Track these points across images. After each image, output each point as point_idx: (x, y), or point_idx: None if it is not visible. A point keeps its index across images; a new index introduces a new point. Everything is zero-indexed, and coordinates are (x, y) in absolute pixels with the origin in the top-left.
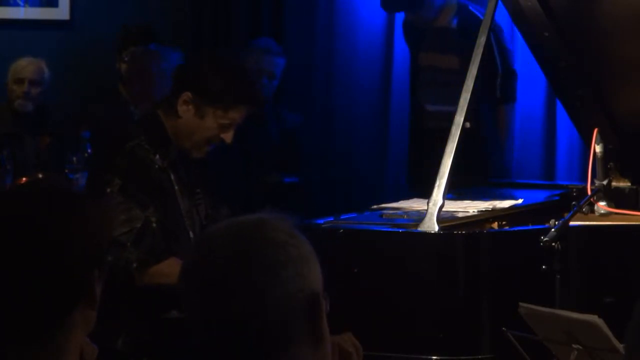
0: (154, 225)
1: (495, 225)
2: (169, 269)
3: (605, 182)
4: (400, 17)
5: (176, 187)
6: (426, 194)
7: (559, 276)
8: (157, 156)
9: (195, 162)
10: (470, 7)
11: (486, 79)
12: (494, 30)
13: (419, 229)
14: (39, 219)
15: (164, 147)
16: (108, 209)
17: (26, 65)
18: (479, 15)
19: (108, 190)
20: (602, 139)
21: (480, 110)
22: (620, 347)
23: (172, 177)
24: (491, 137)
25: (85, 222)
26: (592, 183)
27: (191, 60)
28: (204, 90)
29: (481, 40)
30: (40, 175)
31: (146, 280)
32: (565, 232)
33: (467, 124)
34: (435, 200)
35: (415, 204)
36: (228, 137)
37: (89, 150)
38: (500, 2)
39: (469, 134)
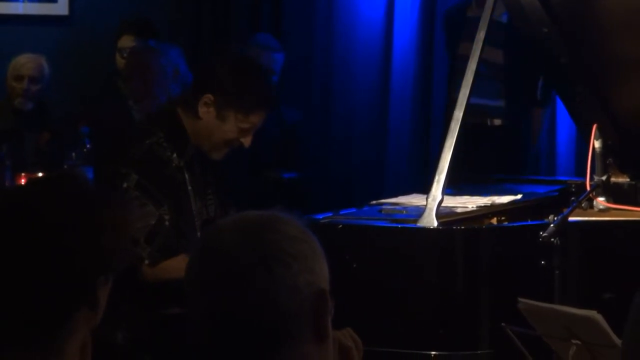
0: (167, 223)
1: (494, 220)
2: (180, 264)
3: (604, 178)
4: (400, 12)
5: (190, 187)
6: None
7: (557, 271)
8: (174, 155)
9: (210, 164)
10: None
11: (527, 79)
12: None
13: (418, 224)
14: (55, 220)
15: (182, 146)
16: (127, 218)
17: (26, 62)
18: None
19: (125, 185)
20: (601, 135)
21: (517, 108)
22: (619, 342)
23: (187, 176)
24: (526, 136)
25: (101, 230)
26: (591, 178)
27: (214, 62)
28: (227, 94)
29: (480, 35)
30: (65, 169)
31: (156, 275)
32: (564, 227)
33: (497, 121)
34: (434, 196)
35: (414, 199)
36: (247, 141)
37: (88, 146)
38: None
39: (501, 131)
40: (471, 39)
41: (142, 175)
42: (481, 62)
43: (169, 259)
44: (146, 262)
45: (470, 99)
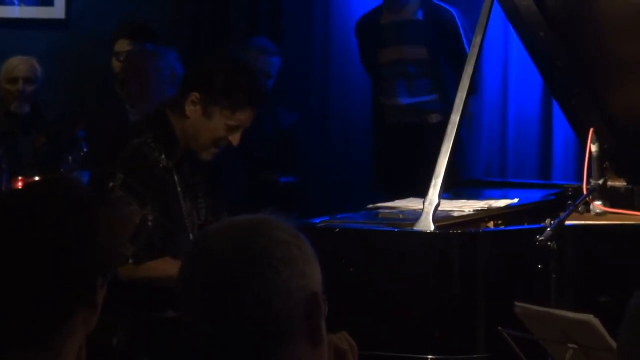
0: (150, 223)
1: (491, 224)
2: (163, 266)
3: (601, 182)
4: None
5: (179, 189)
6: (397, 192)
7: (554, 275)
8: (163, 156)
9: (201, 166)
10: (434, 0)
11: (454, 70)
12: (460, 15)
13: (415, 228)
14: (53, 221)
15: (171, 147)
16: (122, 219)
17: (19, 64)
18: (444, 5)
19: (111, 184)
20: (598, 139)
21: (450, 101)
22: (615, 346)
23: (176, 178)
24: (464, 129)
25: (98, 231)
26: (588, 182)
27: (201, 61)
28: (212, 91)
29: (477, 40)
30: (39, 176)
31: (138, 275)
32: (561, 231)
33: (437, 117)
34: (431, 200)
35: (411, 204)
36: (235, 139)
37: (85, 150)
38: (496, 2)
39: (440, 128)
40: (391, 44)
41: (128, 175)
42: (408, 62)
43: (153, 259)
44: (130, 261)
45: (405, 100)
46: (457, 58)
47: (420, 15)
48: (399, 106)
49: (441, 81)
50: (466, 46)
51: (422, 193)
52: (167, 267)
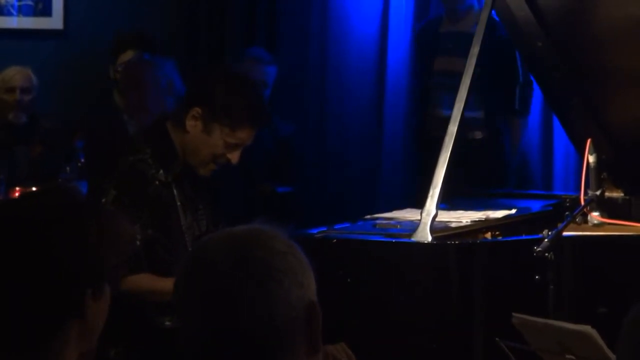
0: (137, 242)
1: (488, 235)
2: (139, 281)
3: (598, 193)
4: (394, 27)
5: (178, 203)
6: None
7: (552, 286)
8: (161, 171)
9: (201, 179)
10: (493, 14)
11: (504, 88)
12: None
13: (413, 239)
14: (43, 229)
15: (169, 161)
16: (115, 232)
17: (15, 74)
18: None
19: (103, 200)
20: (596, 149)
21: (496, 120)
22: (613, 357)
23: (175, 192)
24: (507, 148)
25: (89, 240)
26: (586, 193)
27: (204, 76)
28: (213, 107)
29: (474, 50)
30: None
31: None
32: (559, 242)
33: (479, 134)
34: (428, 210)
35: (408, 214)
36: (234, 157)
37: (82, 160)
38: (493, 12)
39: (482, 144)
40: (445, 53)
41: (120, 191)
42: (456, 75)
43: (134, 274)
44: None
45: (448, 112)
46: (507, 76)
47: (475, 29)
48: (443, 118)
49: (489, 98)
50: (519, 65)
51: (420, 203)
52: (144, 282)
